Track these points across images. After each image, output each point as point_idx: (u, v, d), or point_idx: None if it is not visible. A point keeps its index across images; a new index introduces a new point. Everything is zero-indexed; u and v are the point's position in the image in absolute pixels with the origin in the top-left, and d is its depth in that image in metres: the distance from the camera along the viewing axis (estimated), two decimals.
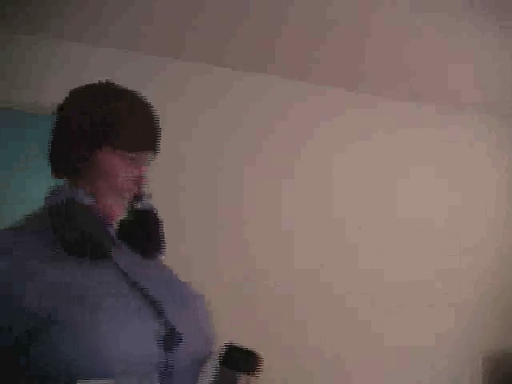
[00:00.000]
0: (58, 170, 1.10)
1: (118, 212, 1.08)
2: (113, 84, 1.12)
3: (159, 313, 0.98)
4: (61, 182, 1.13)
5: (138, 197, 1.12)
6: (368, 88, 3.44)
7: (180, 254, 3.09)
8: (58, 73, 2.97)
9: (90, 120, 1.05)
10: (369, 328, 3.42)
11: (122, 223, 1.15)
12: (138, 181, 1.09)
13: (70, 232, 0.97)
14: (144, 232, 1.13)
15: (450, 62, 3.04)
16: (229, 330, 3.11)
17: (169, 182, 3.13)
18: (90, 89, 1.10)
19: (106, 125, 1.05)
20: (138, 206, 1.13)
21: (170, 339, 0.96)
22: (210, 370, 0.98)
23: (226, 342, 3.08)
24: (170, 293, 1.06)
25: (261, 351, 3.20)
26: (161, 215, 3.03)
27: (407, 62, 3.05)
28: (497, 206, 3.79)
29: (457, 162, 3.73)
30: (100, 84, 1.11)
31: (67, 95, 1.12)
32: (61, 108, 1.10)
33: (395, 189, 3.56)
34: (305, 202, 3.37)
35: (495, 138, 3.83)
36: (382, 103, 3.59)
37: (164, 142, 3.16)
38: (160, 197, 3.10)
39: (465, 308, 3.65)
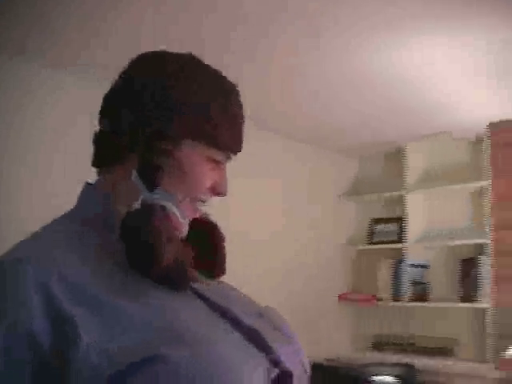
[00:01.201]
0: (105, 161, 0.85)
1: (184, 226, 0.84)
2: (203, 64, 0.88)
3: (265, 348, 0.78)
4: None
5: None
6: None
7: None
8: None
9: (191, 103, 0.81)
10: None
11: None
12: (216, 188, 0.85)
13: (162, 255, 0.75)
14: (211, 247, 0.91)
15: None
16: None
17: None
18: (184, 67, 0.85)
19: (198, 111, 0.82)
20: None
21: (283, 381, 0.78)
22: None
23: None
24: (264, 322, 0.84)
25: None
26: None
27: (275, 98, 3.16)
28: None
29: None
30: (190, 61, 0.86)
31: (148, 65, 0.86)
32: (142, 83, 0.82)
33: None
34: None
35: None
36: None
37: None
38: None
39: None
